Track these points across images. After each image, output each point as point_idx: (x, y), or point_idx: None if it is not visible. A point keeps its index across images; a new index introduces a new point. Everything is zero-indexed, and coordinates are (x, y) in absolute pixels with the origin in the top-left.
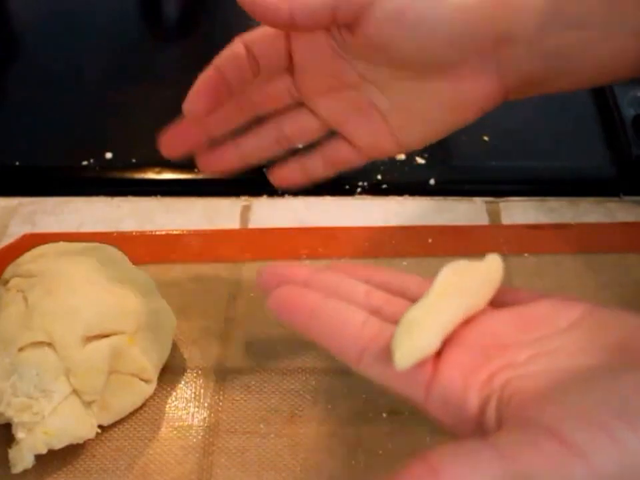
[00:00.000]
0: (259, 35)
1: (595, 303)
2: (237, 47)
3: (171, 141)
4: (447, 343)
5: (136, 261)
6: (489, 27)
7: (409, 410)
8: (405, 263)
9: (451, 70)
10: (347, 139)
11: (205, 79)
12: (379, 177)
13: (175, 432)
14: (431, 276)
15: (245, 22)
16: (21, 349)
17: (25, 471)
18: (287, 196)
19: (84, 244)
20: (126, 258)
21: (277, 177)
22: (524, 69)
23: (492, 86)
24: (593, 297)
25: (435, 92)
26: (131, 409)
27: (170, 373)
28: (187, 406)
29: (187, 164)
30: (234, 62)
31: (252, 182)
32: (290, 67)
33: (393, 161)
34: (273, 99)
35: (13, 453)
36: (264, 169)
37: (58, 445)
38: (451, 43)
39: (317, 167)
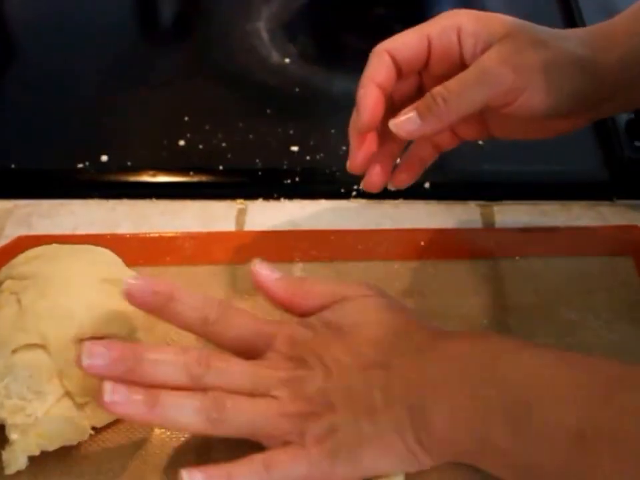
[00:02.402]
0: (400, 43)
1: None
2: (384, 57)
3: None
4: None
5: (130, 263)
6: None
7: None
8: (396, 266)
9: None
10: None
11: (373, 96)
12: None
13: (168, 433)
14: (425, 278)
15: (240, 25)
16: (14, 351)
17: (18, 473)
18: (282, 199)
19: (77, 246)
20: (120, 260)
21: (398, 179)
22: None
23: (584, 121)
24: (584, 300)
25: (535, 126)
26: None
27: None
28: None
29: (182, 167)
30: (387, 73)
31: (247, 185)
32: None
33: None
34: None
35: (6, 455)
36: (259, 173)
37: (51, 446)
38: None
39: (428, 153)
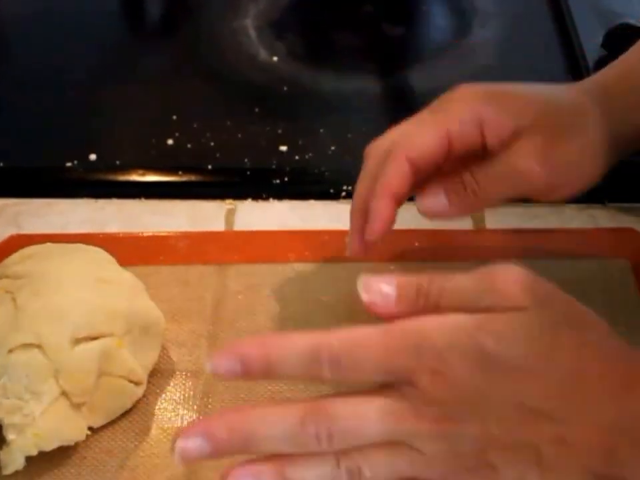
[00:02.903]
0: (420, 146)
1: None
2: (403, 166)
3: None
4: None
5: (122, 263)
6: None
7: None
8: (392, 267)
9: None
10: None
11: (388, 208)
12: None
13: (164, 434)
14: None
15: (227, 22)
16: (10, 351)
17: (16, 472)
18: (271, 199)
19: (72, 245)
20: (113, 259)
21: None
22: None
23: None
24: (579, 302)
25: None
26: (120, 411)
27: (159, 375)
28: (176, 408)
29: (170, 166)
30: (404, 181)
31: (237, 185)
32: None
33: None
34: None
35: (3, 455)
36: (248, 172)
37: (48, 446)
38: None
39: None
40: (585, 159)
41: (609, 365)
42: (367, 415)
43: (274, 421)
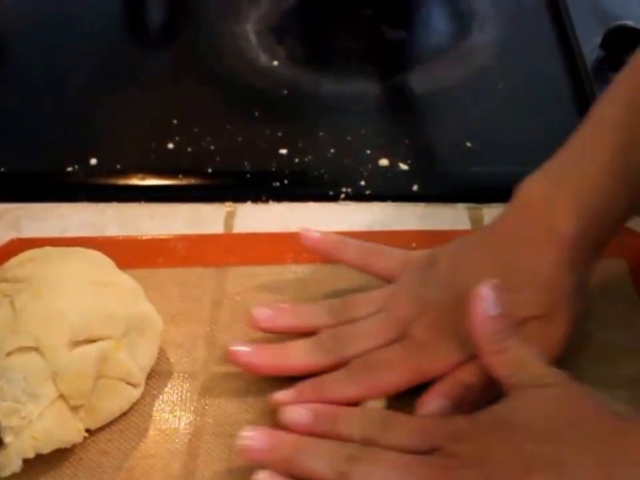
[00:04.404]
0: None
1: None
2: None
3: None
4: None
5: (121, 266)
6: None
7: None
8: None
9: None
10: None
11: None
12: (363, 183)
13: (161, 435)
14: None
15: (228, 27)
16: (8, 354)
17: (13, 475)
18: (271, 202)
19: (70, 248)
20: (112, 263)
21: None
22: None
23: None
24: None
25: None
26: (118, 413)
27: (156, 376)
28: (174, 409)
29: (171, 170)
30: None
31: (237, 188)
32: None
33: (376, 167)
34: None
35: (1, 457)
36: (248, 175)
37: (45, 449)
38: None
39: None
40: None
41: (606, 419)
42: (393, 462)
43: (319, 443)
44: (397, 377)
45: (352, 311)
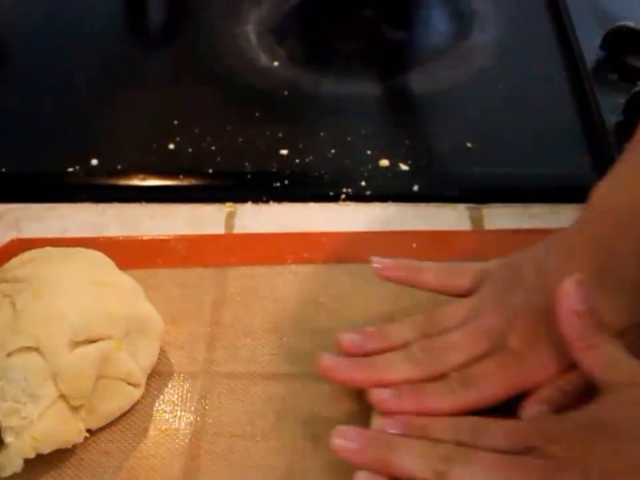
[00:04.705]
0: None
1: None
2: None
3: None
4: None
5: (122, 266)
6: None
7: None
8: None
9: None
10: None
11: None
12: (363, 183)
13: (162, 435)
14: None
15: (229, 28)
16: (9, 354)
17: (14, 475)
18: (271, 202)
19: (71, 249)
20: (113, 263)
21: None
22: None
23: None
24: None
25: None
26: (118, 413)
27: (157, 377)
28: (174, 410)
29: (171, 170)
30: None
31: (237, 188)
32: None
33: (376, 167)
34: None
35: (1, 457)
36: (248, 176)
37: (46, 449)
38: None
39: None
40: None
41: None
42: (492, 463)
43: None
44: (495, 390)
45: (438, 324)
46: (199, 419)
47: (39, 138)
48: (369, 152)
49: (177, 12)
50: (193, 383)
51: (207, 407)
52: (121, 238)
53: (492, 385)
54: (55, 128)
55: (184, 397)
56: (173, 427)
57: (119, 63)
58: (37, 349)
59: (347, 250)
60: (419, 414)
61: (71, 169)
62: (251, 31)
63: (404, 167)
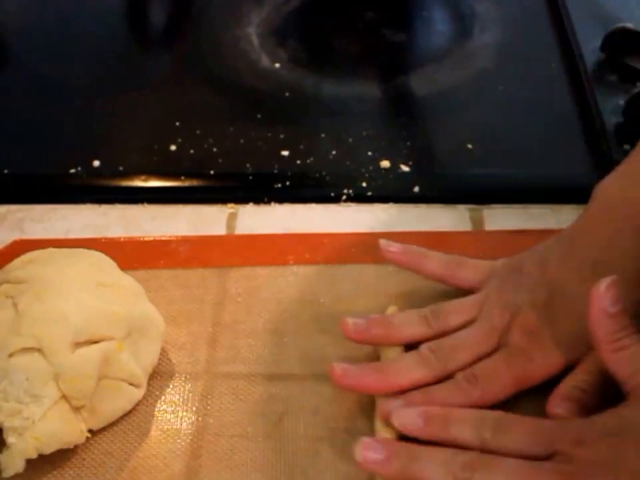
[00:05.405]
0: None
1: None
2: None
3: None
4: None
5: (124, 267)
6: None
7: None
8: (390, 269)
9: None
10: None
11: None
12: (364, 184)
13: (163, 435)
14: (419, 280)
15: (231, 30)
16: (11, 355)
17: (16, 475)
18: (273, 203)
19: (72, 250)
20: (114, 264)
21: None
22: None
23: None
24: None
25: None
26: (120, 414)
27: (159, 377)
28: (176, 410)
29: (173, 171)
30: None
31: (239, 189)
32: None
33: (377, 168)
34: None
35: (3, 458)
36: (250, 177)
37: (48, 449)
38: None
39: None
40: None
41: None
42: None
43: (437, 452)
44: (502, 387)
45: (445, 320)
46: (200, 419)
47: (41, 139)
48: (369, 153)
49: (179, 14)
50: (195, 383)
51: (208, 407)
52: (122, 239)
53: (497, 381)
54: (58, 129)
55: (185, 397)
56: (175, 427)
57: (121, 64)
58: (38, 350)
59: (348, 251)
60: None
61: (73, 170)
62: (252, 32)
63: (405, 168)
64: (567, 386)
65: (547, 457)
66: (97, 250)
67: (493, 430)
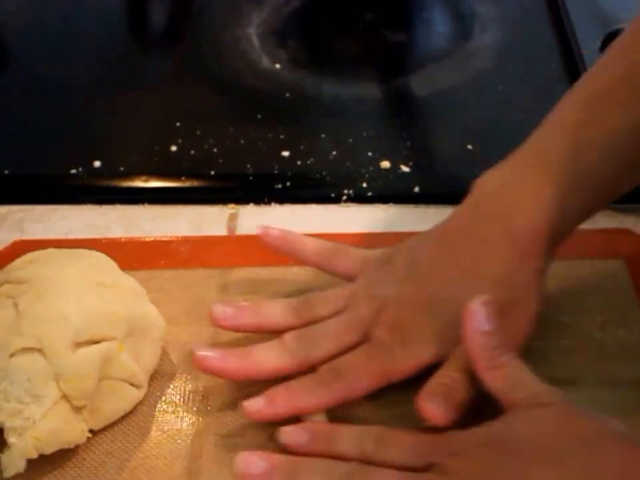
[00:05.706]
0: None
1: None
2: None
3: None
4: None
5: (124, 267)
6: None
7: (395, 419)
8: None
9: None
10: None
11: None
12: (364, 184)
13: (164, 436)
14: None
15: (231, 31)
16: (11, 355)
17: (16, 475)
18: (273, 204)
19: (73, 250)
20: (115, 264)
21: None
22: None
23: None
24: (577, 302)
25: None
26: (121, 414)
27: (159, 377)
28: (176, 410)
29: (173, 172)
30: None
31: (239, 190)
32: None
33: (377, 169)
34: None
35: (4, 458)
36: (250, 178)
37: (49, 449)
38: None
39: None
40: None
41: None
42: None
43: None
44: (363, 382)
45: (313, 310)
46: (201, 419)
47: (41, 140)
48: (370, 153)
49: (179, 14)
50: (195, 384)
51: (209, 408)
52: (123, 239)
53: (360, 376)
54: (58, 130)
55: (186, 397)
56: (175, 427)
57: (121, 64)
58: (39, 350)
59: None
60: (294, 414)
61: (73, 171)
62: (253, 33)
63: (405, 169)
64: (433, 382)
65: (426, 469)
66: (97, 250)
67: (375, 443)
